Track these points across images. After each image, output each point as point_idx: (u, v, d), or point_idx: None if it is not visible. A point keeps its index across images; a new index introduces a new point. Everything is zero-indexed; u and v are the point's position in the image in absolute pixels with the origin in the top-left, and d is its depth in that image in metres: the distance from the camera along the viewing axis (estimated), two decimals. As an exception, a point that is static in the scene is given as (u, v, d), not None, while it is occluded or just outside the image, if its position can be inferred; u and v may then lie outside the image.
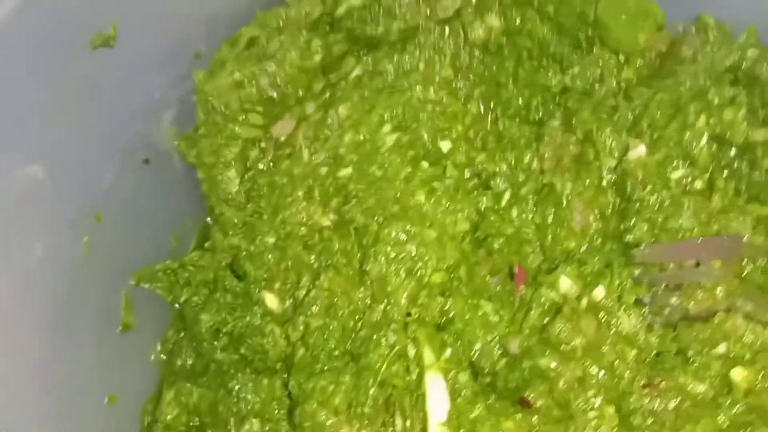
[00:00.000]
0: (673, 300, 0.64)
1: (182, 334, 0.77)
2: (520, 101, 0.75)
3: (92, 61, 0.67)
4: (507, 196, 0.73)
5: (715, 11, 0.75)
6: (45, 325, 0.65)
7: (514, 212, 0.72)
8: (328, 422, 0.61)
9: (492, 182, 0.74)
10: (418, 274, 0.64)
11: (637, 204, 0.64)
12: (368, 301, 0.66)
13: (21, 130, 0.63)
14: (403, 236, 0.65)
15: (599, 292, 0.63)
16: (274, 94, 0.73)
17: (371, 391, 0.61)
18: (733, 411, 0.59)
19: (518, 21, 0.74)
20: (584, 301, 0.61)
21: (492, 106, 0.77)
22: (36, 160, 0.65)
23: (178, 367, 0.75)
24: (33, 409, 0.63)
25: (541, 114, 0.75)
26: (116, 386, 0.71)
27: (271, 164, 0.75)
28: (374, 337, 0.63)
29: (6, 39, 0.59)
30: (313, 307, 0.65)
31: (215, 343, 0.72)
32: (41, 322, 0.65)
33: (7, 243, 0.61)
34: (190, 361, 0.75)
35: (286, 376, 0.66)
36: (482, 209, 0.72)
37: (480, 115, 0.77)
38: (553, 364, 0.60)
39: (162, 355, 0.77)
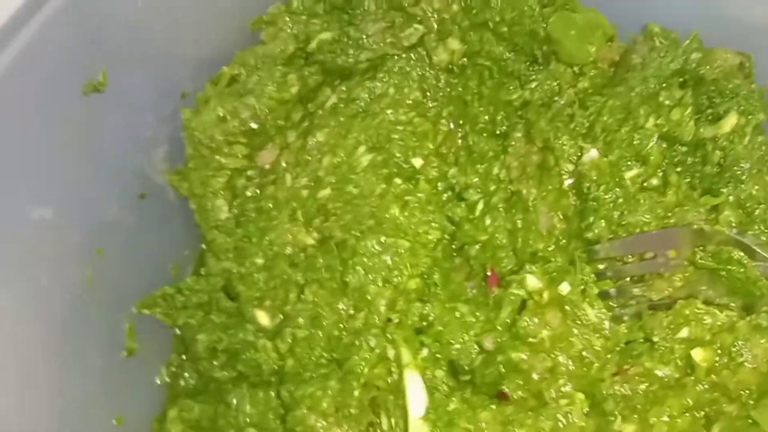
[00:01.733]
0: (636, 291, 0.68)
1: (184, 356, 0.81)
2: (486, 117, 0.81)
3: (87, 105, 0.72)
4: (480, 206, 0.78)
5: (662, 20, 0.80)
6: (52, 352, 0.70)
7: (488, 220, 0.77)
8: (319, 425, 0.65)
9: (465, 194, 0.79)
10: (395, 281, 0.69)
11: (594, 203, 0.69)
12: (351, 311, 0.70)
13: (27, 172, 0.69)
14: (378, 247, 0.70)
15: (564, 288, 0.67)
16: (255, 126, 0.78)
17: (356, 393, 0.65)
18: (697, 390, 0.63)
19: (477, 43, 0.79)
20: (545, 295, 0.65)
21: (461, 123, 0.82)
22: (42, 200, 0.71)
23: (182, 387, 0.80)
24: (44, 433, 0.67)
25: (505, 127, 0.80)
26: (123, 408, 0.76)
27: (258, 191, 0.80)
28: (356, 342, 0.67)
29: (8, 88, 0.65)
30: (299, 320, 0.70)
31: (214, 362, 0.77)
32: (48, 350, 0.69)
33: (14, 275, 0.66)
34: (192, 381, 0.80)
35: (279, 387, 0.70)
36: (457, 219, 0.77)
37: (450, 132, 0.82)
38: (524, 356, 0.64)
39: (166, 378, 0.81)
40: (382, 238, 0.70)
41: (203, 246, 0.85)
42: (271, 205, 0.78)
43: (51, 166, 0.70)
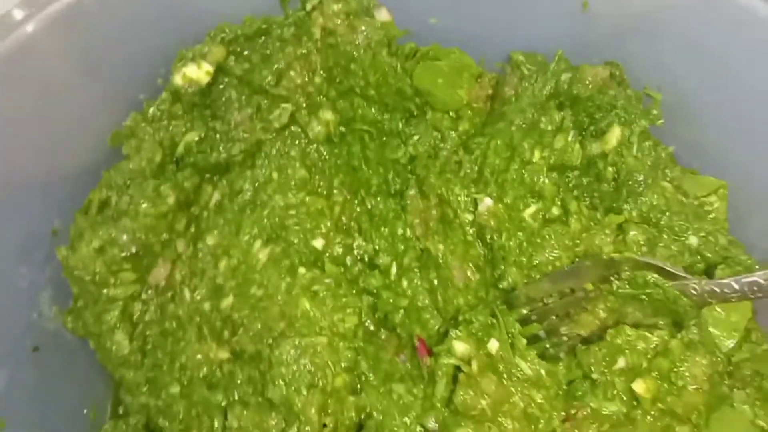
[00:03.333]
0: (564, 329, 0.66)
1: None
2: (378, 179, 0.78)
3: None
4: (394, 269, 0.75)
5: (526, 43, 0.79)
6: None
7: (404, 282, 0.74)
8: None
9: (376, 260, 0.76)
10: (320, 384, 0.64)
11: (501, 251, 0.66)
12: (283, 425, 0.65)
13: None
14: (294, 353, 0.65)
15: (493, 345, 0.64)
16: (138, 249, 0.73)
17: None
18: (647, 421, 0.60)
19: (349, 110, 0.76)
20: (474, 364, 0.62)
21: (355, 189, 0.79)
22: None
23: None
24: None
25: (398, 185, 0.77)
26: None
27: (158, 312, 0.75)
28: (294, 461, 0.62)
29: None
30: (230, 449, 0.65)
31: None
32: None
33: None
34: None
35: None
36: (374, 290, 0.74)
37: (347, 201, 0.79)
38: (469, 431, 0.61)
39: None
40: (297, 341, 0.65)
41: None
42: (174, 325, 0.73)
43: None
